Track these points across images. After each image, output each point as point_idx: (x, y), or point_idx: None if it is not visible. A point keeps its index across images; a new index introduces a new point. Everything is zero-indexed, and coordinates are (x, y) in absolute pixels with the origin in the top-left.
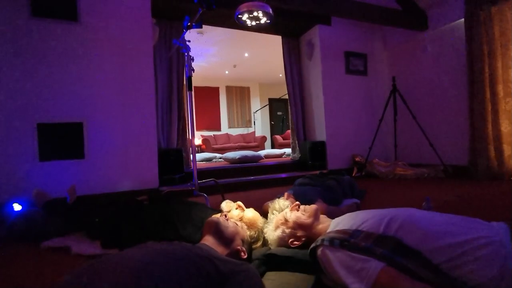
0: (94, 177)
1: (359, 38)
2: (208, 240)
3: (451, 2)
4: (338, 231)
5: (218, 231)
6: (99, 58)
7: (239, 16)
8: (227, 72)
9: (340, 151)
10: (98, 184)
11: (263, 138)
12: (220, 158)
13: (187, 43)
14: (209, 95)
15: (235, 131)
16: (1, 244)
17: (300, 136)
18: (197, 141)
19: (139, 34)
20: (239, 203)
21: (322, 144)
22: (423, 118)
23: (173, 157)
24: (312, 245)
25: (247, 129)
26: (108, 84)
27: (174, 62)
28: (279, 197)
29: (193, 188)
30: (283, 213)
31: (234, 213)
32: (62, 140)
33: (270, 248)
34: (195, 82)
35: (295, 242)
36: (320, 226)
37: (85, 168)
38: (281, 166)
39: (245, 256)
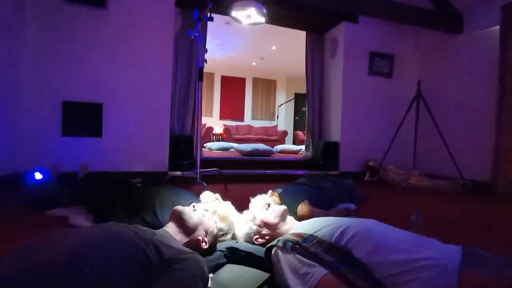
0: (109, 155)
1: (387, 38)
2: (170, 227)
3: (488, 7)
4: (294, 234)
5: (180, 220)
6: (122, 44)
7: (232, 13)
8: (254, 63)
9: (353, 153)
10: (112, 162)
11: (284, 133)
12: (233, 149)
13: (200, 34)
14: (235, 85)
15: (258, 123)
16: (18, 207)
17: (315, 134)
18: (219, 129)
19: (161, 23)
20: (217, 195)
21: (335, 145)
22: (446, 127)
23: (184, 144)
24: (268, 245)
25: (270, 122)
26: (128, 69)
27: (194, 51)
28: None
29: (195, 175)
30: (253, 211)
31: (210, 205)
32: (83, 119)
33: (237, 242)
34: (222, 71)
35: (259, 240)
36: (285, 227)
37: (101, 146)
38: (291, 163)
39: (206, 247)
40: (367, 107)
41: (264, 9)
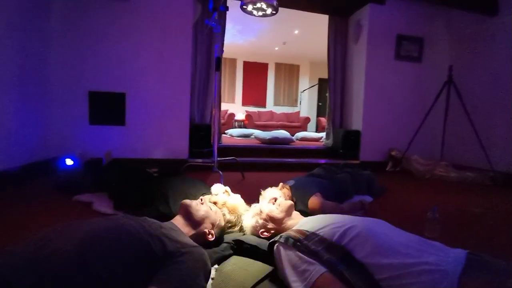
0: (132, 143)
1: (416, 20)
2: (178, 220)
3: None
4: (296, 231)
5: (188, 213)
6: (143, 35)
7: (243, 7)
8: (276, 48)
9: (375, 142)
10: (135, 149)
11: (307, 119)
12: (253, 135)
13: (217, 23)
14: (257, 70)
15: (280, 109)
16: (49, 191)
17: (336, 122)
18: (241, 116)
19: (179, 13)
20: (227, 188)
21: (356, 133)
22: (478, 116)
23: (203, 132)
24: (271, 240)
25: (292, 108)
26: (149, 59)
27: (213, 40)
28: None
29: (213, 164)
30: (260, 204)
31: (220, 198)
32: (108, 108)
33: (244, 234)
34: (244, 57)
35: (265, 233)
36: (290, 222)
37: (125, 134)
38: (311, 151)
39: (212, 239)
40: (392, 94)
41: (275, 2)
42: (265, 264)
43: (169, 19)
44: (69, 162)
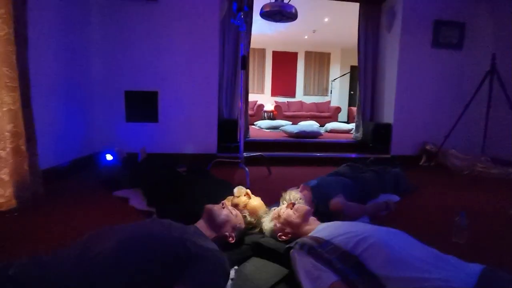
0: (165, 138)
1: (457, 4)
2: (200, 224)
3: None
4: (312, 238)
5: (210, 217)
6: (172, 35)
7: (263, 14)
8: (306, 37)
9: (408, 135)
10: (167, 145)
11: (337, 109)
12: (282, 127)
13: (242, 22)
14: (287, 60)
15: (310, 99)
16: (92, 186)
17: (366, 114)
18: (270, 107)
19: (206, 11)
20: (248, 191)
21: (387, 126)
22: None
23: (231, 127)
24: (287, 245)
25: (323, 98)
26: (179, 58)
27: (239, 37)
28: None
29: (240, 160)
30: (279, 208)
31: (241, 200)
32: (142, 106)
33: (263, 236)
34: (273, 47)
35: (283, 237)
36: (307, 228)
37: (158, 131)
38: (339, 145)
39: (233, 241)
40: (428, 84)
41: (293, 9)
42: (282, 267)
43: (196, 18)
44: (109, 157)
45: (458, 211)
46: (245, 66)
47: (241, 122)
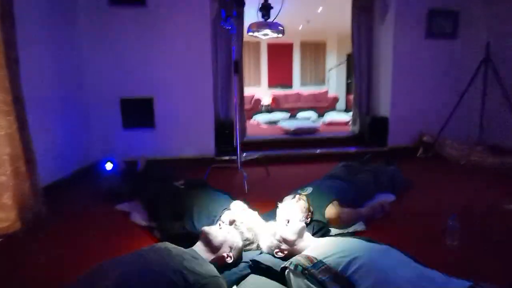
0: (163, 143)
1: None
2: (199, 246)
3: None
4: (306, 257)
5: (207, 240)
6: (163, 39)
7: (249, 33)
8: (300, 27)
9: (405, 127)
10: (166, 149)
11: (335, 99)
12: (280, 121)
13: (233, 25)
14: (282, 51)
15: (308, 89)
16: (94, 198)
17: (362, 107)
18: (267, 100)
19: (197, 13)
20: (245, 206)
21: (383, 120)
22: None
23: (228, 130)
24: (282, 265)
25: (320, 87)
26: (172, 62)
27: (232, 39)
28: (298, 192)
29: (237, 165)
30: (274, 226)
31: (238, 216)
32: (138, 112)
33: (261, 252)
34: (268, 39)
35: (279, 253)
36: (302, 244)
37: (155, 136)
38: (336, 140)
39: (231, 261)
40: (423, 75)
41: (279, 27)
42: (280, 285)
43: (186, 20)
44: (109, 166)
45: (450, 213)
46: (237, 70)
47: (237, 127)
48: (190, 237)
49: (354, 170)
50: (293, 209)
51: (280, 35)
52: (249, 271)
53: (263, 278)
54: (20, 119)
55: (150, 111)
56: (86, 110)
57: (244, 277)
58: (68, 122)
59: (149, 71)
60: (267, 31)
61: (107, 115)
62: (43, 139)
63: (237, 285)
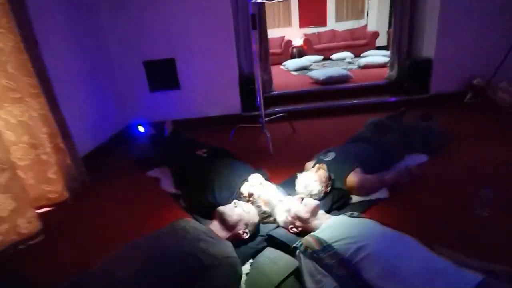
0: (189, 104)
1: None
2: (214, 225)
3: None
4: (316, 240)
5: (222, 219)
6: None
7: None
8: None
9: (451, 70)
10: (192, 110)
11: (375, 34)
12: (312, 65)
13: None
14: None
15: (343, 26)
16: (128, 164)
17: (402, 48)
18: (299, 41)
19: None
20: (262, 180)
21: (426, 62)
22: None
23: (253, 85)
24: (293, 246)
25: (358, 22)
26: (192, 22)
27: None
28: (320, 158)
29: (261, 125)
30: (289, 202)
31: (256, 190)
32: (162, 74)
33: (277, 226)
34: None
35: (293, 229)
36: (315, 222)
37: (181, 97)
38: (370, 89)
39: (247, 237)
40: (476, 10)
41: None
42: (293, 259)
43: None
44: (141, 129)
45: (489, 179)
46: (255, 25)
47: (258, 86)
48: (212, 208)
49: (383, 129)
50: (311, 181)
51: None
52: (266, 244)
53: (278, 251)
54: (50, 98)
55: (173, 72)
56: (113, 76)
57: (260, 250)
58: (97, 91)
59: (170, 33)
60: None
61: (133, 79)
62: (75, 113)
63: (253, 258)
